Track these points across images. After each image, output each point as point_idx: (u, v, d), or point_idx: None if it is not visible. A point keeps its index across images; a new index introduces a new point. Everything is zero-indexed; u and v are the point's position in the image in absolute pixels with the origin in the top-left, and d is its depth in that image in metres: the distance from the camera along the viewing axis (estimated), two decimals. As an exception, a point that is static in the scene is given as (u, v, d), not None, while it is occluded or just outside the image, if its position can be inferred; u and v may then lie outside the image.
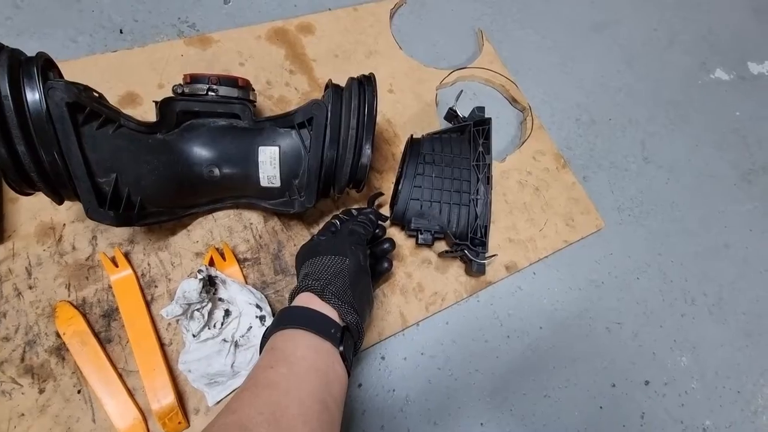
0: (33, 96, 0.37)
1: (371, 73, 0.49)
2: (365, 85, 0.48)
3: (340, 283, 0.39)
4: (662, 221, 0.70)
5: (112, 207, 0.42)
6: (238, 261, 0.51)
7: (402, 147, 0.62)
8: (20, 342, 0.44)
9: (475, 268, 0.54)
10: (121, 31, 0.61)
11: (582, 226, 0.64)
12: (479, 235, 0.54)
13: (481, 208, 0.54)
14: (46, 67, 0.40)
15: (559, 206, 0.65)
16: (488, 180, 0.55)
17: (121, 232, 0.50)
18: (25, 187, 0.40)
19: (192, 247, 0.51)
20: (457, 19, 0.78)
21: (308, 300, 0.38)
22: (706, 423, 0.57)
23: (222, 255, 0.51)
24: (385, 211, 0.59)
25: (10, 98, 0.36)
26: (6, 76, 0.36)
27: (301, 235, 0.55)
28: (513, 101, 0.72)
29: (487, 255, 0.54)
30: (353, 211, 0.51)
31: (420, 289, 0.56)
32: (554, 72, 0.78)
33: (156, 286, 0.49)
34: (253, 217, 0.54)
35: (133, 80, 0.57)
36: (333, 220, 0.49)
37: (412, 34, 0.73)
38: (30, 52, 0.40)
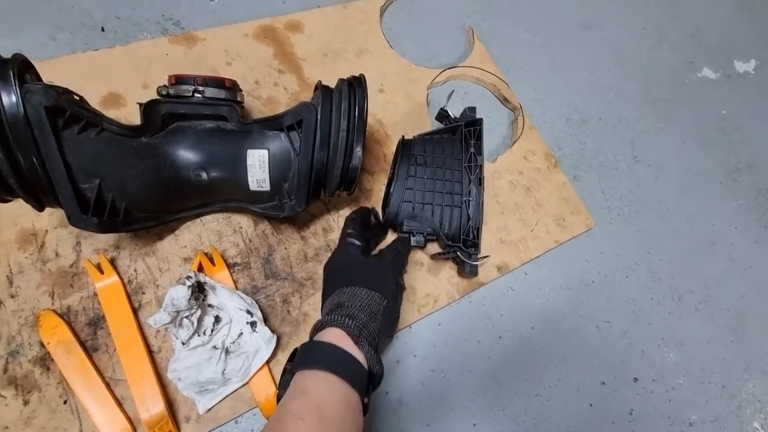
0: (9, 100, 0.36)
1: (361, 74, 0.48)
2: (355, 86, 0.47)
3: (374, 326, 0.38)
4: (651, 220, 0.70)
5: (95, 213, 0.41)
6: (228, 266, 0.51)
7: (393, 148, 0.61)
8: (2, 353, 0.43)
9: (467, 270, 0.54)
10: (102, 29, 0.59)
11: (573, 226, 0.65)
12: (471, 236, 0.54)
13: (473, 209, 0.54)
14: (22, 69, 0.38)
15: (550, 206, 0.65)
16: (480, 181, 0.55)
17: (106, 238, 0.49)
18: (4, 194, 0.39)
19: (180, 252, 0.50)
20: (447, 16, 0.77)
21: (340, 339, 0.36)
22: (692, 417, 0.58)
23: (211, 260, 0.50)
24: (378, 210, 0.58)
25: (-12, 104, 0.35)
26: (-20, 82, 0.35)
27: (291, 239, 0.54)
28: (504, 101, 0.72)
29: (479, 256, 0.54)
30: (369, 217, 0.52)
31: (412, 291, 0.55)
32: (545, 71, 0.78)
33: (143, 293, 0.48)
34: (243, 221, 0.53)
35: (116, 80, 0.55)
36: (350, 229, 0.48)
37: (402, 33, 0.72)
38: (5, 51, 0.38)
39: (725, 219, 0.73)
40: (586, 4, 0.88)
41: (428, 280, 0.56)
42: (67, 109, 0.38)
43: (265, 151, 0.46)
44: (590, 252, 0.65)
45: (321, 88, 0.47)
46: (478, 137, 0.57)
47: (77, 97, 0.40)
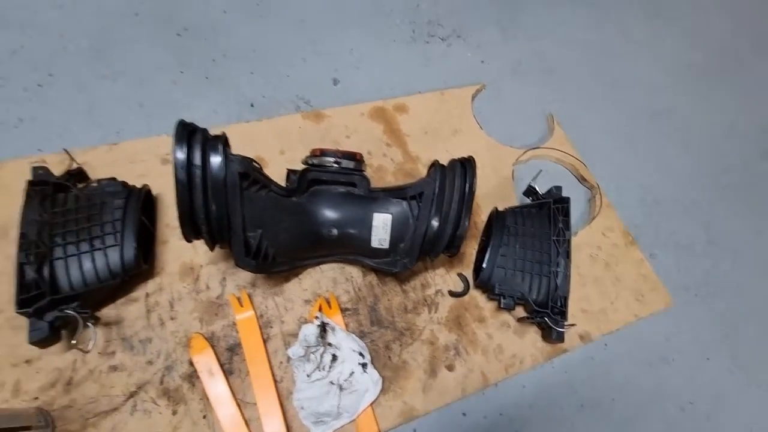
0: (217, 165, 0.47)
1: (471, 157, 0.57)
2: (467, 167, 0.56)
3: None
4: (730, 302, 0.72)
5: (254, 257, 0.51)
6: (341, 310, 0.58)
7: (483, 216, 0.69)
8: (161, 366, 0.51)
9: (554, 336, 0.58)
10: (252, 105, 0.73)
11: (651, 303, 0.67)
12: (559, 304, 0.59)
13: (561, 279, 0.59)
14: (225, 142, 0.50)
15: (628, 281, 0.68)
16: (568, 254, 0.61)
17: (245, 276, 0.58)
18: (193, 236, 0.49)
19: (302, 294, 0.59)
20: (529, 103, 0.87)
21: None
22: None
23: (328, 303, 0.58)
24: (467, 273, 0.64)
25: (200, 167, 0.46)
26: (200, 151, 0.46)
27: (394, 291, 0.61)
28: (582, 180, 0.79)
29: (566, 324, 0.58)
30: None
31: (500, 350, 0.60)
32: (619, 154, 0.85)
33: (271, 327, 0.56)
34: (354, 272, 0.61)
35: (261, 146, 0.68)
36: None
37: (490, 116, 0.82)
38: (185, 119, 0.49)
39: (811, 310, 0.73)
40: (657, 95, 0.96)
41: (514, 341, 0.61)
42: (252, 175, 0.49)
43: (389, 216, 0.55)
44: (670, 330, 0.67)
45: (438, 167, 0.56)
46: (566, 214, 0.63)
47: (257, 165, 0.51)
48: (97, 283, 0.49)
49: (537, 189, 0.68)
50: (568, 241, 0.61)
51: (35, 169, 0.54)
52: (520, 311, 0.62)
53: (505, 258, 0.60)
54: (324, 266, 0.61)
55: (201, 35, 0.78)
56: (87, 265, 0.49)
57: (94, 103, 0.67)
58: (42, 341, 0.46)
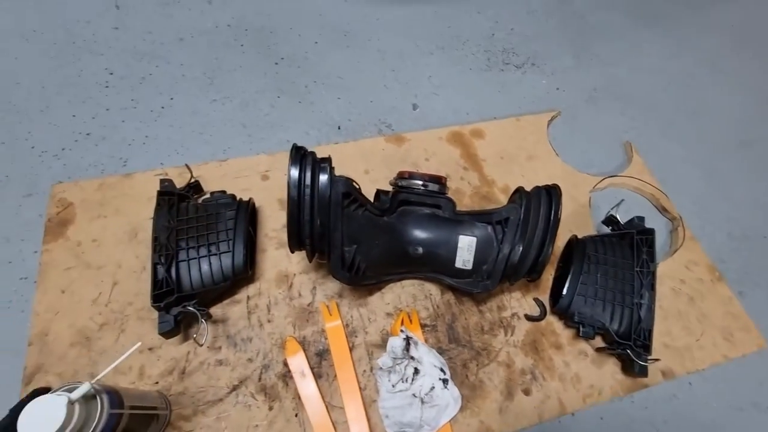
0: (324, 185, 0.52)
1: (557, 185, 0.59)
2: (552, 195, 0.57)
3: None
4: (833, 351, 0.66)
5: (348, 270, 0.55)
6: (420, 326, 0.61)
7: (560, 242, 0.69)
8: (259, 365, 0.56)
9: (637, 369, 0.57)
10: (339, 128, 0.79)
11: (742, 344, 0.64)
12: (642, 337, 0.58)
13: (645, 312, 0.59)
14: (331, 165, 0.55)
15: (716, 319, 0.66)
16: (652, 286, 0.60)
17: (333, 287, 0.63)
18: (298, 247, 0.54)
19: (384, 308, 0.62)
20: (605, 130, 0.87)
21: None
22: None
23: (409, 318, 0.61)
24: (543, 298, 0.65)
25: (310, 187, 0.51)
26: (310, 171, 0.52)
27: (471, 311, 0.63)
28: (663, 210, 0.77)
29: (649, 358, 0.57)
30: None
31: (577, 379, 0.59)
32: (702, 185, 0.82)
33: (356, 336, 0.60)
34: (433, 289, 0.64)
35: (347, 167, 0.73)
36: None
37: (565, 142, 0.83)
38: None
39: None
40: (745, 126, 0.92)
41: (592, 371, 0.60)
42: (353, 195, 0.54)
43: (474, 239, 0.57)
44: (763, 374, 0.63)
45: (524, 194, 0.58)
46: (650, 246, 0.62)
47: (357, 186, 0.56)
48: (212, 285, 0.56)
49: (618, 218, 0.67)
50: (653, 273, 0.60)
51: (162, 181, 0.62)
52: (598, 341, 0.62)
53: (586, 286, 0.60)
54: (405, 282, 0.64)
55: (295, 64, 0.86)
56: (204, 267, 0.56)
57: (206, 124, 0.75)
58: (168, 333, 0.52)
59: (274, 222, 0.67)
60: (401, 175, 0.63)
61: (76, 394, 0.36)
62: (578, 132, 0.86)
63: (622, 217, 0.68)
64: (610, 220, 0.68)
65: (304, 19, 0.93)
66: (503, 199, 0.73)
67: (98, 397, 0.39)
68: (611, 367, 0.61)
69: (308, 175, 0.51)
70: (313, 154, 0.54)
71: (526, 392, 0.58)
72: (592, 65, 0.98)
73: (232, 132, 0.75)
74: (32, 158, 0.68)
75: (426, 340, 0.60)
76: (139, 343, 0.44)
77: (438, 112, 0.84)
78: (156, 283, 0.53)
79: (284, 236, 0.65)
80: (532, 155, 0.79)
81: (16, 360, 0.53)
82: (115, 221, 0.64)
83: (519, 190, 0.60)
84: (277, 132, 0.77)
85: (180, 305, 0.53)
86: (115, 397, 0.41)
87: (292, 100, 0.81)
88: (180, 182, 0.64)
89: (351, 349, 0.58)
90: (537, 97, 0.90)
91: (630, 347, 0.57)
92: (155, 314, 0.56)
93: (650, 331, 0.58)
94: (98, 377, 0.40)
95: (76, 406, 0.36)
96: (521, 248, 0.56)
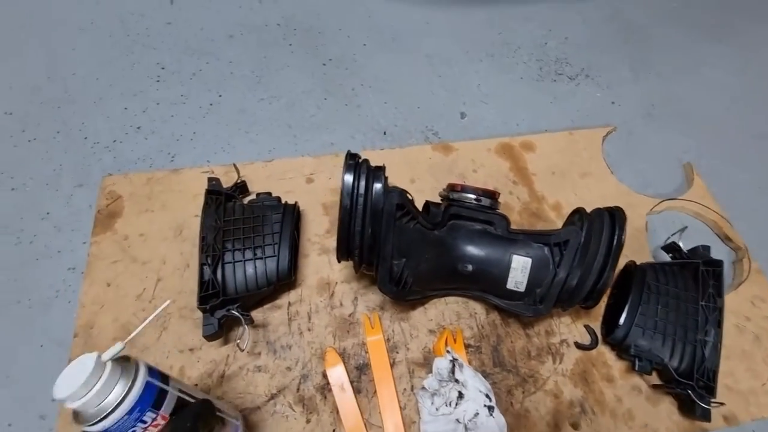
0: (378, 196, 0.50)
1: (620, 208, 0.55)
2: (615, 218, 0.53)
3: None
4: None
5: (395, 284, 0.53)
6: (464, 346, 0.58)
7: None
8: (298, 374, 0.55)
9: (699, 412, 0.53)
10: (384, 133, 0.78)
11: (813, 391, 0.59)
12: (705, 378, 0.54)
13: (709, 350, 0.54)
14: (384, 174, 0.53)
15: (784, 362, 0.61)
16: (719, 323, 0.55)
17: (375, 298, 0.61)
18: (345, 257, 0.53)
19: (427, 324, 0.60)
20: (663, 150, 0.82)
21: None
22: None
23: (453, 338, 0.58)
24: (595, 326, 0.61)
25: (363, 196, 0.50)
26: (365, 180, 0.50)
27: (517, 334, 0.60)
28: (726, 239, 0.72)
29: (713, 401, 0.53)
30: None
31: (630, 416, 0.56)
32: (770, 215, 0.76)
33: (397, 352, 0.58)
34: (477, 308, 0.61)
35: (392, 173, 0.70)
36: None
37: (621, 160, 0.79)
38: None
39: None
40: (817, 152, 0.85)
41: (647, 409, 0.56)
42: (406, 207, 0.52)
43: (529, 260, 0.55)
44: (837, 428, 0.58)
45: (585, 216, 0.54)
46: (717, 278, 0.58)
47: (410, 197, 0.54)
48: (256, 289, 0.55)
49: (681, 246, 0.63)
50: (720, 309, 0.56)
51: (210, 180, 0.62)
52: (654, 377, 0.58)
53: (644, 317, 0.57)
54: (448, 298, 0.62)
55: (343, 65, 0.84)
56: (249, 271, 0.55)
57: (253, 123, 0.75)
58: (212, 336, 0.52)
59: (317, 227, 0.66)
60: (453, 188, 0.60)
61: (107, 354, 0.35)
62: (634, 150, 0.81)
63: (683, 245, 0.64)
64: (671, 247, 0.64)
65: (353, 20, 0.92)
66: (553, 217, 0.70)
67: (136, 364, 0.37)
68: (667, 406, 0.57)
69: (362, 183, 0.50)
70: (367, 161, 0.52)
71: (575, 426, 0.55)
72: (650, 79, 0.93)
73: (278, 132, 0.75)
74: (85, 149, 0.69)
75: (470, 362, 0.57)
76: (169, 300, 0.43)
77: (486, 122, 0.81)
78: (202, 285, 0.52)
79: (327, 242, 0.64)
80: (586, 172, 0.76)
81: (62, 351, 0.54)
82: (162, 216, 0.64)
83: (579, 211, 0.56)
84: (322, 134, 0.76)
85: (224, 308, 0.52)
86: (157, 372, 0.39)
87: (338, 102, 0.80)
88: (225, 180, 0.63)
89: (392, 366, 0.56)
90: (591, 110, 0.86)
91: (692, 387, 0.53)
92: (197, 314, 0.55)
93: (715, 372, 0.54)
94: (130, 336, 0.39)
95: (108, 365, 0.35)
96: (579, 273, 0.53)
